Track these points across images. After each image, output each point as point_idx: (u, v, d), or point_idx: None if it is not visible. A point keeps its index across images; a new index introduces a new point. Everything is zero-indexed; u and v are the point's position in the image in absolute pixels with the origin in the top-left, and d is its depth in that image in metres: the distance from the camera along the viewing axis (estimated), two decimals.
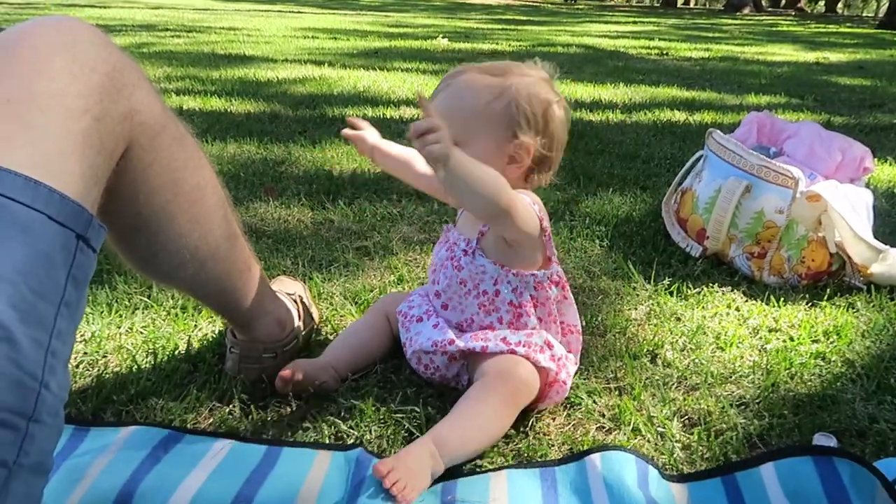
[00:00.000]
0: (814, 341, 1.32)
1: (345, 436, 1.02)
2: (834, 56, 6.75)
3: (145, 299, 1.38)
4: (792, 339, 1.32)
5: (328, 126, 2.89)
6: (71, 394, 1.09)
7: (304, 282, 1.44)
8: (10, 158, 0.67)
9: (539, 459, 0.98)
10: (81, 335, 1.26)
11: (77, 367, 1.17)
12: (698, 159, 1.81)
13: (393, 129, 2.86)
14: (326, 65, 4.67)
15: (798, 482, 0.84)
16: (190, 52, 5.06)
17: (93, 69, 0.76)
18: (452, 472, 0.95)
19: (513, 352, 1.05)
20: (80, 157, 0.73)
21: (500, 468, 0.95)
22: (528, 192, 1.09)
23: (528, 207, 1.04)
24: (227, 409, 1.06)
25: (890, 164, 2.61)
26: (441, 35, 6.96)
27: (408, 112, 3.25)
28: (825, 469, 0.84)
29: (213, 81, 3.88)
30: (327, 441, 1.01)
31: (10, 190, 0.66)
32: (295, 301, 1.26)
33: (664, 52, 6.52)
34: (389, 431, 1.03)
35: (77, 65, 0.75)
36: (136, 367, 1.17)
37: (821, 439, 0.93)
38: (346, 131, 1.24)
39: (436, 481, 0.93)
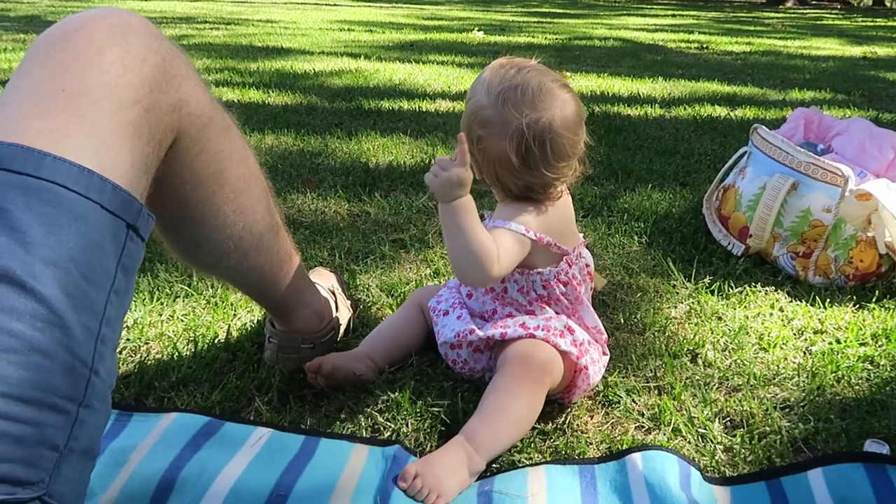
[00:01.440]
0: (861, 344, 1.28)
1: (381, 428, 1.02)
2: (882, 50, 6.53)
3: (186, 288, 1.40)
4: (838, 342, 1.29)
5: (364, 118, 2.90)
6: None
7: (341, 273, 1.45)
8: (64, 148, 0.69)
9: (577, 457, 0.97)
10: (124, 322, 1.29)
11: (120, 353, 1.20)
12: (742, 155, 1.77)
13: (429, 122, 2.86)
14: (362, 57, 4.68)
15: (848, 489, 0.81)
16: (228, 45, 5.12)
17: (144, 60, 0.77)
18: (489, 466, 0.95)
19: (532, 336, 1.04)
20: (130, 147, 0.74)
21: (537, 463, 0.95)
22: (526, 212, 1.06)
23: (510, 255, 1.02)
24: (266, 398, 1.08)
25: None
26: (476, 28, 6.93)
27: (443, 105, 3.24)
28: (877, 477, 0.81)
29: (251, 73, 3.92)
30: (364, 433, 1.01)
31: (64, 179, 0.67)
32: (332, 293, 1.27)
33: (704, 45, 6.38)
34: (426, 425, 1.03)
35: (129, 56, 0.76)
36: (176, 354, 1.18)
37: (872, 445, 0.90)
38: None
39: None
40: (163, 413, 1.01)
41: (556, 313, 1.10)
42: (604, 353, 1.13)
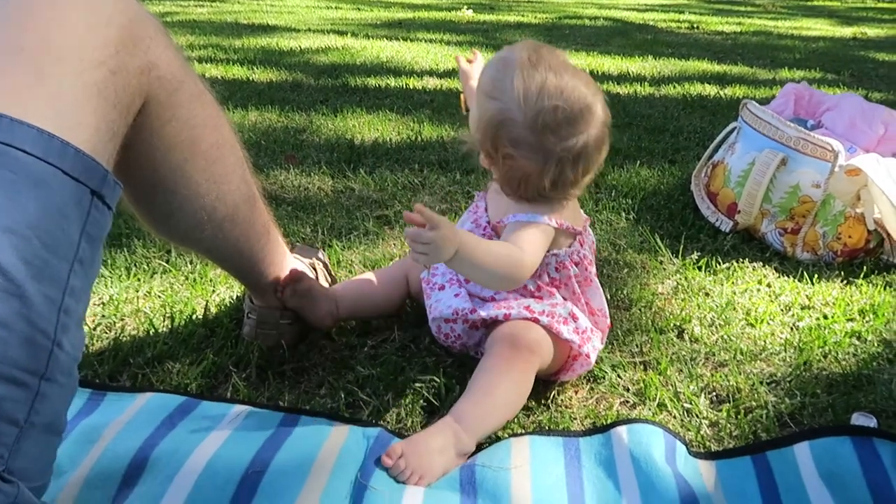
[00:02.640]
0: (849, 320, 1.27)
1: (362, 404, 1.00)
2: (872, 31, 6.51)
3: (164, 263, 1.37)
4: (826, 318, 1.28)
5: (350, 95, 2.86)
6: (88, 355, 1.08)
7: (324, 249, 1.42)
8: (22, 110, 0.65)
9: (557, 430, 0.95)
10: (99, 298, 1.26)
11: (94, 329, 1.17)
12: (731, 131, 1.75)
13: (416, 100, 2.82)
14: (349, 35, 4.61)
15: (835, 463, 0.80)
16: (213, 22, 5.02)
17: (109, 21, 0.74)
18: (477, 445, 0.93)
19: (535, 321, 1.02)
20: (94, 111, 0.71)
21: (522, 434, 0.93)
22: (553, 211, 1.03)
23: (535, 246, 0.99)
24: (244, 375, 1.05)
25: None
26: (465, 6, 6.84)
27: (431, 82, 3.20)
28: (864, 450, 0.80)
29: (236, 50, 3.85)
30: (344, 409, 0.99)
31: (22, 142, 0.64)
32: (314, 269, 1.24)
33: (694, 25, 6.34)
34: (408, 401, 1.01)
35: (93, 16, 0.73)
36: (153, 330, 1.16)
37: (859, 419, 0.89)
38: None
39: None
40: (138, 393, 0.98)
41: (564, 298, 1.07)
42: (602, 341, 1.11)
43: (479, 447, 0.92)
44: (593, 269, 1.09)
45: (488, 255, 0.95)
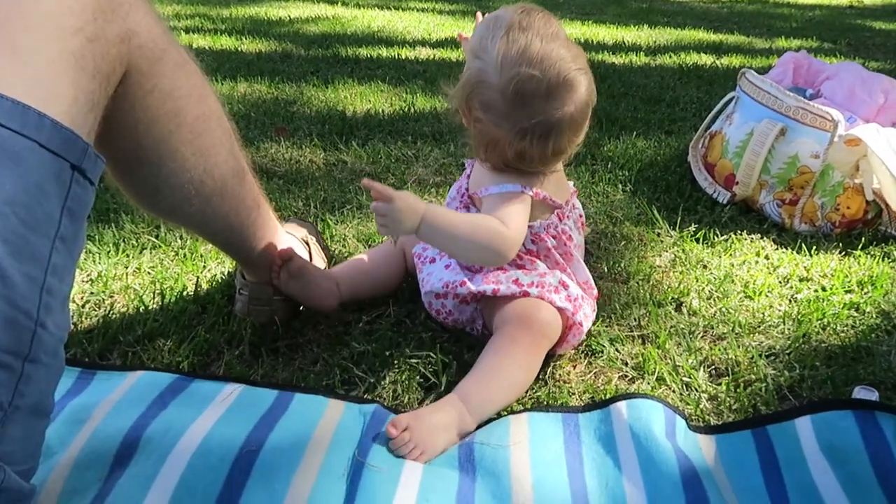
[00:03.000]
0: (847, 291, 1.26)
1: (358, 380, 0.99)
2: None
3: (153, 239, 1.34)
4: (824, 289, 1.27)
5: (341, 66, 2.80)
6: (77, 333, 1.06)
7: (316, 224, 1.40)
8: None
9: (556, 406, 0.94)
10: (87, 275, 1.23)
11: (83, 306, 1.14)
12: (729, 101, 1.72)
13: (408, 70, 2.77)
14: (339, 4, 4.51)
15: (836, 436, 0.79)
16: None
17: None
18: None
19: (525, 294, 1.00)
20: (72, 81, 0.68)
21: (520, 411, 0.92)
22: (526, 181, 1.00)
23: (516, 216, 0.96)
24: (237, 352, 1.03)
25: None
26: None
27: (423, 52, 3.14)
28: (866, 424, 0.79)
29: (224, 20, 3.77)
30: (339, 385, 0.98)
31: None
32: (306, 243, 1.22)
33: None
34: (404, 377, 0.99)
35: None
36: (143, 307, 1.13)
37: (861, 392, 0.89)
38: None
39: None
40: (128, 371, 0.96)
41: (549, 268, 1.05)
42: (593, 309, 1.10)
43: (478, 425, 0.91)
44: (574, 244, 1.07)
45: (462, 225, 0.93)
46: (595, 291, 1.10)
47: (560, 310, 1.00)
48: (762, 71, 1.71)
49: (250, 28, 3.54)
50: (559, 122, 0.92)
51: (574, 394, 0.98)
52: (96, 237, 1.34)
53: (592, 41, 3.58)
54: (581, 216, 1.10)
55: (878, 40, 4.08)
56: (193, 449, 0.79)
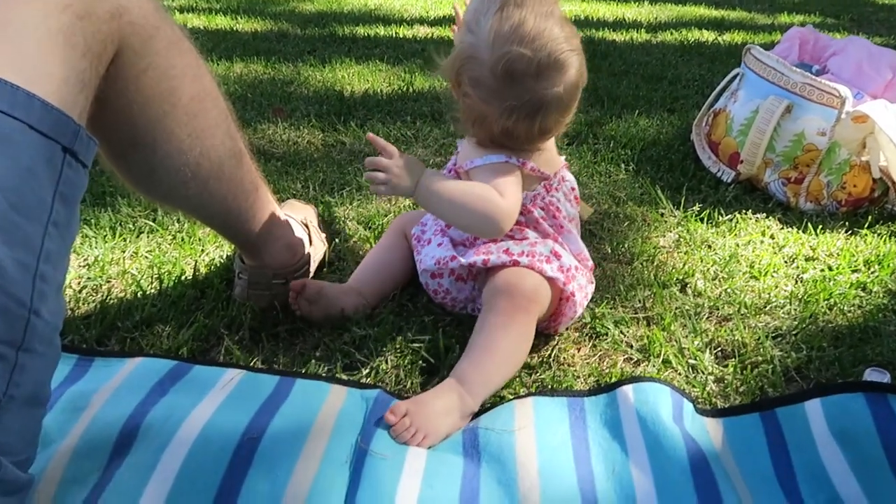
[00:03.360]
0: (854, 271, 1.25)
1: (359, 365, 0.97)
2: None
3: (150, 223, 1.32)
4: (830, 269, 1.25)
5: (338, 45, 2.76)
6: (74, 319, 1.04)
7: (316, 206, 1.38)
8: None
9: (566, 390, 0.93)
10: (84, 259, 1.21)
11: (80, 291, 1.13)
12: (734, 78, 1.69)
13: (406, 49, 2.72)
14: None
15: (847, 420, 0.78)
16: None
17: None
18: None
19: (515, 263, 0.98)
20: (62, 60, 0.65)
21: (525, 395, 0.91)
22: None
23: (509, 186, 0.96)
24: (237, 338, 1.02)
25: None
26: None
27: (421, 31, 3.09)
28: (878, 406, 0.78)
29: None
30: (341, 371, 0.96)
31: None
32: (305, 226, 1.20)
33: None
34: (406, 361, 0.98)
35: None
36: (141, 292, 1.12)
37: (873, 374, 0.87)
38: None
39: None
40: (127, 358, 0.94)
41: (543, 236, 1.04)
42: (590, 282, 1.08)
43: (483, 408, 0.90)
44: (564, 216, 1.05)
45: (457, 189, 0.94)
46: (590, 263, 1.09)
47: (551, 280, 0.98)
48: (765, 47, 1.67)
49: (245, 7, 3.48)
50: (547, 101, 0.92)
51: (579, 377, 0.97)
52: (92, 221, 1.32)
53: (593, 18, 3.54)
54: (573, 189, 1.07)
55: (881, 15, 4.03)
56: (194, 437, 0.78)
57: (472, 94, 0.94)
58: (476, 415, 0.88)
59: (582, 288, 1.03)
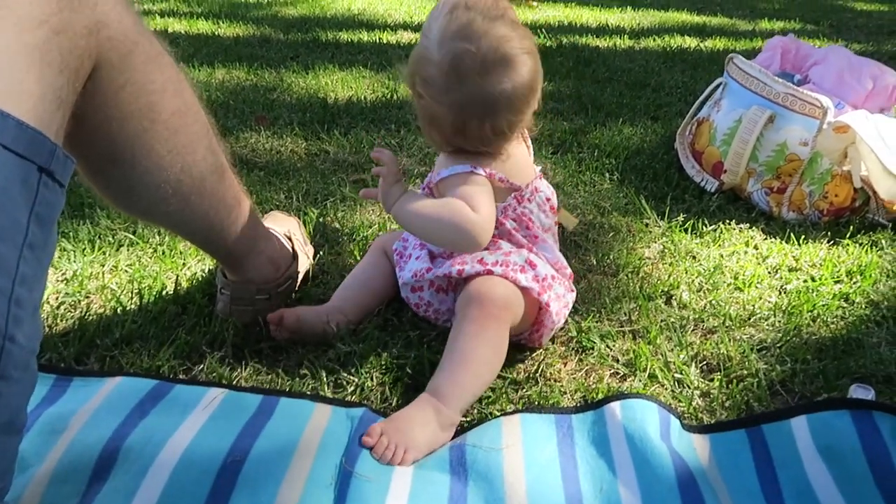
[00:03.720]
0: (836, 282, 1.25)
1: (345, 382, 0.96)
2: None
3: (130, 235, 1.30)
4: (813, 280, 1.26)
5: (321, 51, 2.74)
6: (51, 337, 1.02)
7: (299, 217, 1.36)
8: None
9: (553, 406, 0.92)
10: (62, 274, 1.19)
11: (57, 308, 1.10)
12: (717, 87, 1.70)
13: (390, 55, 2.72)
14: None
15: (833, 437, 0.78)
16: None
17: None
18: (462, 421, 0.90)
19: (489, 272, 0.97)
20: (37, 76, 0.64)
21: (512, 412, 0.90)
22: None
23: (478, 197, 0.96)
24: (219, 355, 1.00)
25: None
26: None
27: (405, 36, 3.08)
28: (863, 424, 0.78)
29: (200, 3, 3.68)
30: (326, 388, 0.95)
31: None
32: (289, 239, 1.18)
33: None
34: (391, 378, 0.97)
35: None
36: (120, 308, 1.10)
37: (858, 391, 0.88)
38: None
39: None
40: (106, 377, 0.92)
41: (517, 247, 1.03)
42: (570, 290, 1.08)
43: (469, 424, 0.89)
44: (538, 226, 1.05)
45: (428, 208, 0.96)
46: (568, 271, 1.08)
47: (525, 289, 0.97)
48: (746, 53, 1.69)
49: (227, 11, 3.45)
50: (495, 99, 0.91)
51: (566, 393, 0.97)
52: (70, 234, 1.30)
53: (576, 24, 3.55)
54: (548, 199, 1.06)
55: (860, 21, 4.08)
56: (176, 460, 0.76)
57: (425, 94, 0.94)
58: (462, 430, 0.88)
59: (560, 297, 1.02)
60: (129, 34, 0.75)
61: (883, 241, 1.39)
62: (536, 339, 1.03)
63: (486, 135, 0.95)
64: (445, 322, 1.07)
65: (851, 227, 1.43)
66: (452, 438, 0.86)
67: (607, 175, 1.67)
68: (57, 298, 1.13)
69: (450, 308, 1.05)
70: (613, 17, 3.82)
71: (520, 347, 1.03)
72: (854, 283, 1.25)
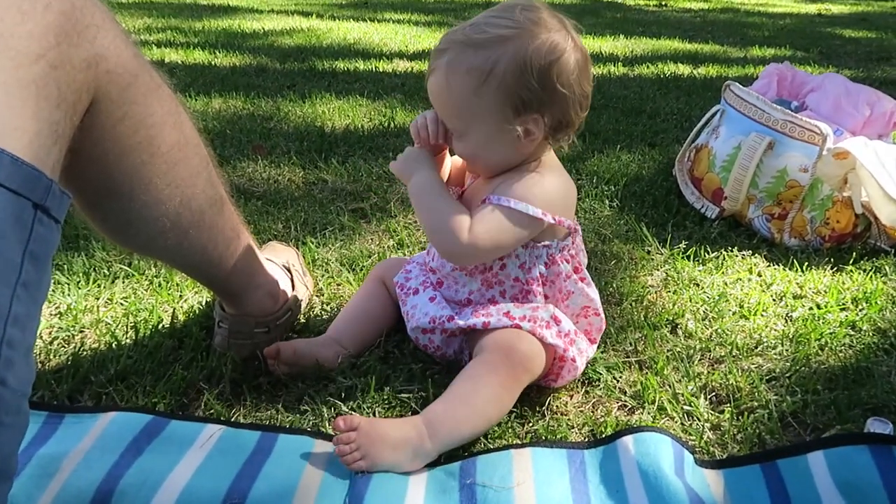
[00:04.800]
0: (842, 309, 1.24)
1: None
2: (836, 8, 6.56)
3: (126, 268, 1.28)
4: (819, 307, 1.24)
5: (318, 80, 2.75)
6: (44, 374, 0.99)
7: (298, 247, 1.34)
8: None
9: (565, 441, 0.89)
10: (56, 307, 1.17)
11: (50, 343, 1.08)
12: (714, 114, 1.70)
13: (386, 83, 2.73)
14: (314, 16, 4.47)
15: (852, 473, 0.76)
16: (171, 3, 4.83)
17: (47, 6, 0.65)
18: (470, 448, 0.88)
19: (517, 327, 0.95)
20: (34, 112, 0.62)
21: (523, 445, 0.87)
22: (544, 174, 0.96)
23: (492, 231, 0.92)
24: (217, 391, 0.97)
25: None
26: None
27: (401, 65, 3.10)
28: (883, 459, 0.76)
29: (196, 33, 3.70)
30: (327, 425, 0.92)
31: None
32: (287, 270, 1.16)
33: (663, 3, 6.31)
34: (394, 413, 0.95)
35: (27, 1, 0.64)
36: (115, 343, 1.07)
37: (875, 424, 0.86)
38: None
39: (451, 459, 0.85)
40: (99, 413, 0.90)
41: (547, 297, 1.00)
42: (592, 342, 1.05)
43: (477, 451, 0.86)
44: (583, 266, 1.03)
45: (429, 201, 0.95)
46: (602, 319, 1.05)
47: (551, 346, 0.96)
48: (739, 80, 1.69)
49: (224, 41, 3.47)
50: (509, 62, 0.87)
51: (573, 426, 0.94)
52: (65, 266, 1.28)
53: None
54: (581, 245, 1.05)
55: (848, 48, 4.14)
56: (172, 503, 0.73)
57: (454, 106, 0.93)
58: (470, 456, 0.85)
59: (582, 352, 1.00)
60: (128, 67, 0.74)
61: (887, 268, 1.38)
62: (550, 383, 1.00)
63: (513, 99, 0.89)
64: (451, 360, 1.04)
65: (854, 254, 1.42)
66: (460, 458, 0.83)
67: (607, 202, 1.66)
68: (50, 333, 1.10)
69: (456, 349, 1.03)
70: (606, 44, 3.86)
71: (531, 384, 1.00)
72: (860, 310, 1.24)
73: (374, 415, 0.94)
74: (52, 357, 1.05)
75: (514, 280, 0.99)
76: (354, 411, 0.94)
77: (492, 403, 0.90)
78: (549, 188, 0.95)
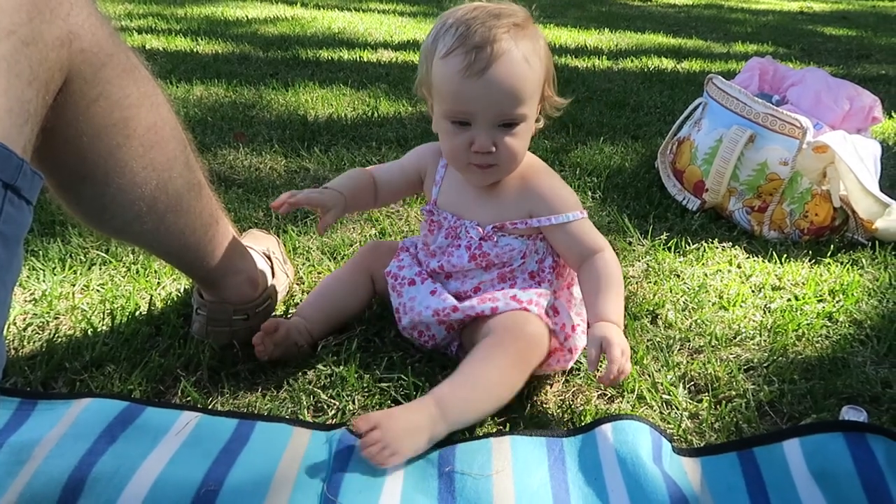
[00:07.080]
0: (819, 300, 1.25)
1: (325, 406, 0.93)
2: (818, 5, 6.61)
3: (102, 254, 1.26)
4: (797, 298, 1.26)
5: (302, 68, 2.73)
6: (17, 360, 0.98)
7: (278, 235, 1.33)
8: None
9: (543, 429, 0.89)
10: (30, 294, 1.15)
11: (24, 329, 1.06)
12: (697, 107, 1.71)
13: (370, 73, 2.71)
14: (299, 4, 4.43)
15: (827, 460, 0.77)
16: None
17: None
18: (450, 437, 0.87)
19: (525, 310, 0.95)
20: (4, 89, 0.61)
21: (502, 434, 0.87)
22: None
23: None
24: (194, 378, 0.96)
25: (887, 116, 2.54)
26: None
27: (385, 55, 3.08)
28: (858, 447, 0.77)
29: (178, 20, 3.65)
30: (306, 412, 0.92)
31: None
32: (267, 257, 1.15)
33: None
34: (374, 401, 0.94)
35: None
36: (91, 329, 1.05)
37: (850, 413, 0.86)
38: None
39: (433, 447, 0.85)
40: (73, 399, 0.88)
41: (555, 291, 1.02)
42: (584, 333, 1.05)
43: (454, 439, 0.86)
44: None
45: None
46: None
47: (552, 332, 0.96)
48: (722, 74, 1.70)
49: (206, 28, 3.43)
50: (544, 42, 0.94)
51: (553, 414, 0.94)
52: (40, 252, 1.25)
53: (555, 44, 3.58)
54: None
55: (829, 45, 4.18)
56: (146, 491, 0.73)
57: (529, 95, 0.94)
58: (449, 444, 0.84)
59: (577, 349, 1.01)
60: (103, 46, 0.72)
61: (863, 260, 1.40)
62: (546, 369, 1.00)
63: (550, 77, 0.98)
64: (431, 349, 1.04)
65: (832, 246, 1.44)
66: (439, 450, 0.83)
67: (589, 193, 1.66)
68: (24, 319, 1.08)
69: (446, 338, 1.03)
70: (591, 38, 3.86)
71: None
72: (837, 301, 1.25)
73: (353, 402, 0.94)
74: (25, 343, 1.03)
75: (528, 274, 1.01)
76: (334, 399, 0.94)
77: (502, 383, 0.90)
78: (564, 188, 1.03)
